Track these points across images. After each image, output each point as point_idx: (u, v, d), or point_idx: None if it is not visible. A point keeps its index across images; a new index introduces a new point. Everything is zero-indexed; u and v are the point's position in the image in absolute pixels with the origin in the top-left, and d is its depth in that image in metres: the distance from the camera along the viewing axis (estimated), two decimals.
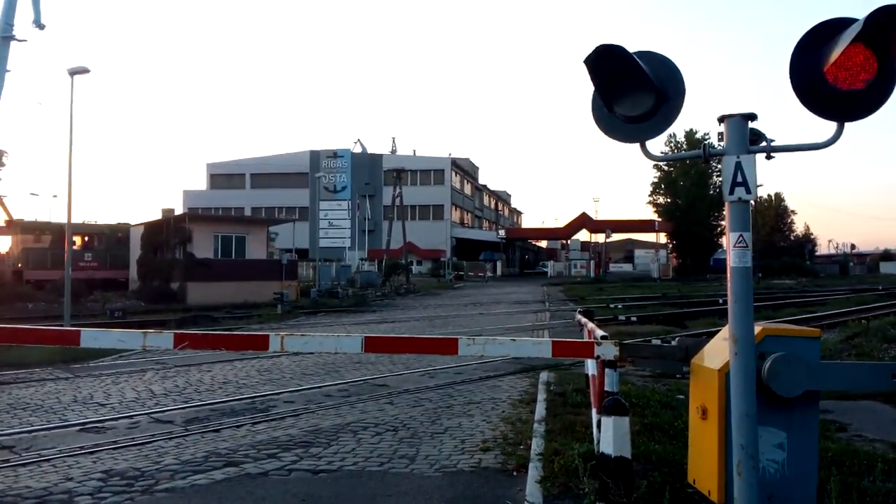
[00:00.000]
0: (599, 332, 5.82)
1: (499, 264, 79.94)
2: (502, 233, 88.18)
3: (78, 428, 7.58)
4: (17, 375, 10.99)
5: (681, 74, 3.61)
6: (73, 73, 19.59)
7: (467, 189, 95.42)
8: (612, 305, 28.09)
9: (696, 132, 72.43)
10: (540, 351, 4.11)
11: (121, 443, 6.89)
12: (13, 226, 36.85)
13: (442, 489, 5.41)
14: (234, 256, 34.18)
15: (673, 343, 4.23)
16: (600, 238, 77.60)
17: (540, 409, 7.93)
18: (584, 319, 8.28)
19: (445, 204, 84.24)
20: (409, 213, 67.85)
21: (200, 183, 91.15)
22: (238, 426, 7.63)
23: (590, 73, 3.41)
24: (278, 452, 6.52)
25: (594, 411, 6.11)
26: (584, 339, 6.10)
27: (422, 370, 11.40)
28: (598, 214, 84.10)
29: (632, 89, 3.49)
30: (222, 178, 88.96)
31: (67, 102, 19.69)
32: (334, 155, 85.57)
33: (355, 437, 7.11)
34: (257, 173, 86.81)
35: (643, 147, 3.61)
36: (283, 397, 9.27)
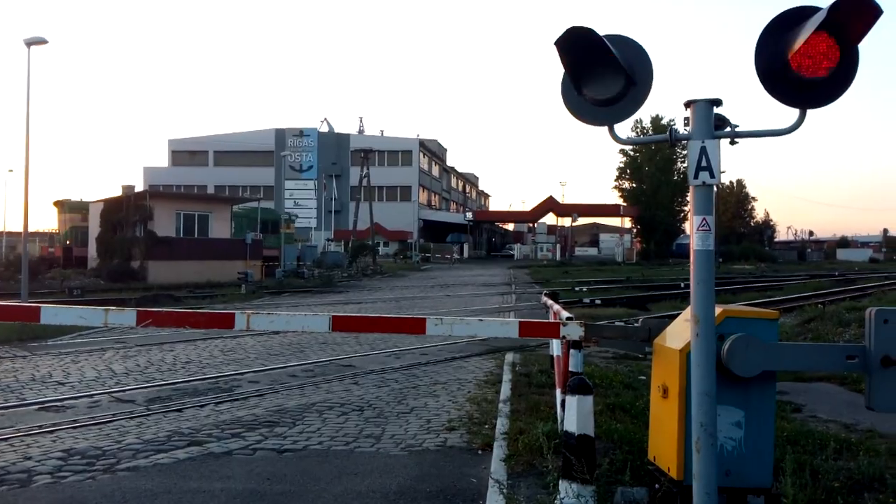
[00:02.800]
0: (565, 314, 5.90)
1: (466, 247, 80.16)
2: (470, 215, 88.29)
3: (36, 407, 7.43)
4: None
5: (650, 59, 3.65)
6: (30, 43, 18.93)
7: (435, 171, 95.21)
8: (577, 288, 28.42)
9: (661, 118, 73.15)
10: (507, 331, 4.15)
11: (81, 422, 6.78)
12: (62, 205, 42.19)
13: (408, 468, 5.45)
14: (196, 235, 33.63)
15: (637, 324, 4.31)
16: (566, 222, 78.30)
17: (505, 390, 8.02)
18: (549, 301, 8.39)
19: (413, 185, 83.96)
20: (376, 194, 67.49)
21: (162, 160, 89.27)
22: (201, 406, 7.56)
23: (560, 55, 3.42)
24: (243, 432, 6.49)
25: (558, 391, 6.20)
26: (550, 321, 6.18)
27: (388, 351, 11.43)
28: (565, 198, 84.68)
29: (601, 73, 3.51)
30: (184, 154, 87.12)
31: (24, 74, 19.04)
32: (301, 133, 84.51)
33: (321, 416, 7.11)
34: (221, 151, 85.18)
35: (611, 130, 3.64)
36: (247, 377, 9.20)
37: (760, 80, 3.40)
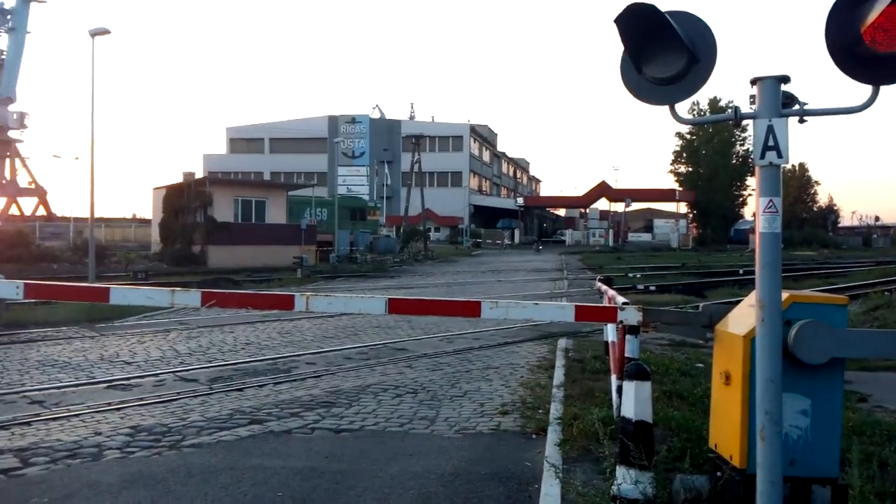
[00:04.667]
0: (620, 299, 5.82)
1: (517, 232, 79.76)
2: (520, 200, 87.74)
3: (105, 385, 7.76)
4: (44, 333, 11.23)
5: (713, 35, 3.53)
6: (94, 34, 19.58)
7: (486, 156, 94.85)
8: (630, 275, 27.99)
9: (719, 100, 70.97)
10: (563, 315, 4.12)
11: (147, 400, 7.05)
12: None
13: (462, 450, 5.49)
14: (253, 220, 34.39)
15: (697, 310, 4.21)
16: (619, 207, 77.01)
17: (559, 375, 7.97)
18: (603, 287, 8.28)
19: (464, 171, 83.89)
20: (427, 180, 67.69)
21: (220, 147, 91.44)
22: (261, 386, 7.77)
23: (620, 32, 3.35)
24: (301, 412, 6.64)
25: (613, 377, 6.14)
26: (607, 305, 6.10)
27: (440, 335, 11.49)
28: (618, 183, 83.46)
29: (662, 50, 3.41)
30: (241, 142, 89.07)
31: (89, 64, 19.71)
32: (353, 120, 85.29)
33: (376, 398, 7.21)
34: (276, 138, 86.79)
35: (672, 110, 3.55)
36: (304, 359, 9.40)
37: (831, 55, 3.26)
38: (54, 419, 6.32)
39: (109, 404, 6.85)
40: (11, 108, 69.06)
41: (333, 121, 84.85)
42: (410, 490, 4.59)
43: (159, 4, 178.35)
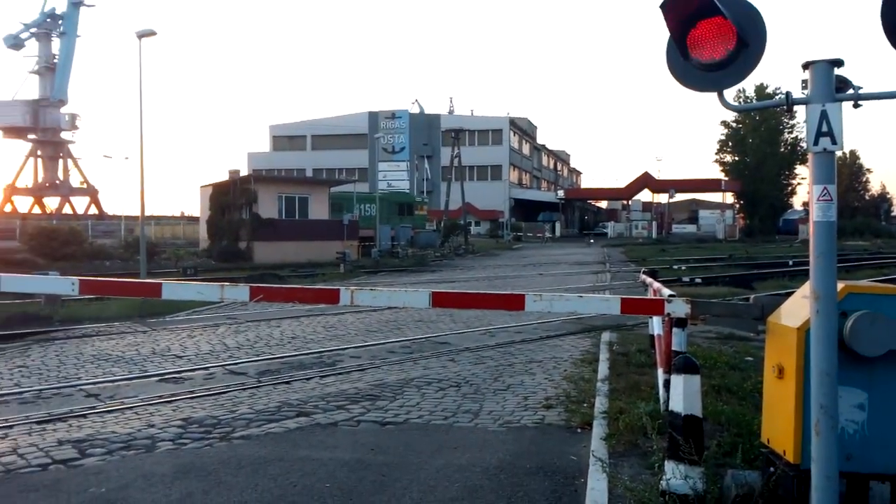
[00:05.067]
0: (666, 291, 5.73)
1: (557, 225, 79.13)
2: (561, 193, 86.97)
3: (157, 378, 7.98)
4: (98, 329, 11.59)
5: (762, 19, 3.44)
6: (141, 35, 20.07)
7: (525, 149, 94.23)
8: (675, 267, 27.52)
9: (766, 86, 69.03)
10: (608, 307, 4.07)
11: (198, 393, 7.23)
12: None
13: (506, 443, 5.48)
14: (297, 217, 34.87)
15: (748, 301, 4.11)
16: (663, 198, 75.78)
17: (603, 369, 7.89)
18: (648, 279, 8.16)
19: (503, 164, 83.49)
20: (467, 174, 67.56)
21: (264, 145, 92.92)
22: (307, 379, 7.88)
23: (665, 16, 3.28)
24: (347, 404, 6.72)
25: (660, 371, 6.05)
26: (654, 297, 6.01)
27: (482, 329, 11.48)
28: (661, 174, 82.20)
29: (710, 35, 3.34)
30: (284, 139, 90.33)
31: (136, 65, 20.21)
32: (392, 116, 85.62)
33: (419, 391, 7.25)
34: (318, 135, 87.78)
35: (720, 96, 3.47)
36: (348, 352, 9.50)
37: (887, 36, 3.14)
38: (109, 412, 6.53)
39: (161, 397, 7.04)
40: (63, 110, 71.51)
41: (374, 117, 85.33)
42: (456, 483, 4.60)
43: (204, 5, 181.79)
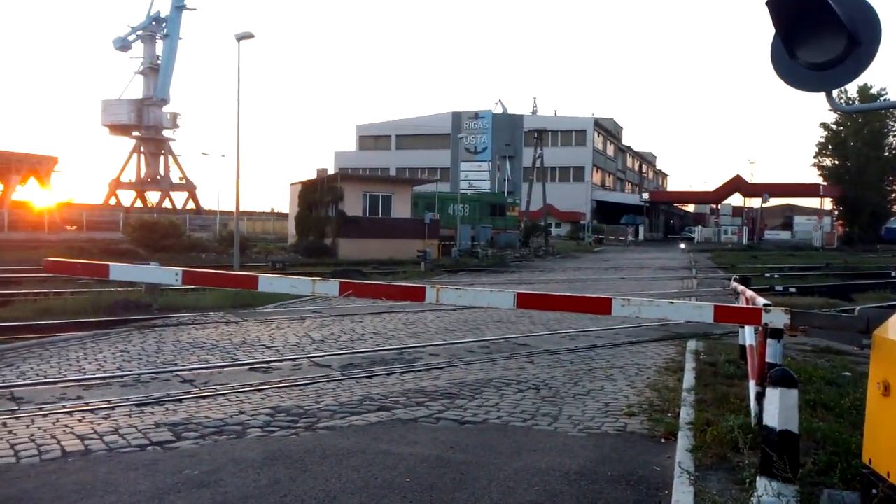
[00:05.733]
0: (761, 300, 5.48)
1: (641, 228, 77.21)
2: (646, 196, 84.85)
3: (247, 367, 8.31)
4: (194, 318, 12.17)
5: (877, 15, 3.25)
6: (240, 38, 20.94)
7: (610, 150, 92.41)
8: (767, 275, 26.31)
9: (870, 87, 64.93)
10: (701, 315, 3.94)
11: (285, 383, 7.48)
12: None
13: (587, 449, 5.40)
14: (380, 215, 35.53)
15: (852, 313, 3.88)
16: (755, 203, 72.56)
17: (688, 378, 7.65)
18: (740, 287, 7.84)
19: (586, 165, 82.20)
20: (549, 175, 66.90)
21: (350, 144, 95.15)
22: (388, 374, 8.02)
23: (771, 12, 3.15)
24: (426, 401, 6.79)
25: (752, 383, 5.80)
26: (749, 306, 5.77)
27: (562, 332, 11.35)
28: (754, 177, 78.59)
29: (819, 32, 3.18)
30: (369, 139, 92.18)
31: (233, 66, 21.11)
32: (476, 116, 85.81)
33: (498, 392, 7.24)
34: (402, 134, 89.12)
35: (829, 97, 3.30)
36: (428, 350, 9.60)
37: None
38: (203, 397, 6.84)
39: (252, 385, 7.33)
40: (165, 109, 75.70)
41: (457, 117, 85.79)
42: (535, 486, 4.58)
43: (296, 9, 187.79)
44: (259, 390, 7.14)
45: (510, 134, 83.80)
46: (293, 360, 8.76)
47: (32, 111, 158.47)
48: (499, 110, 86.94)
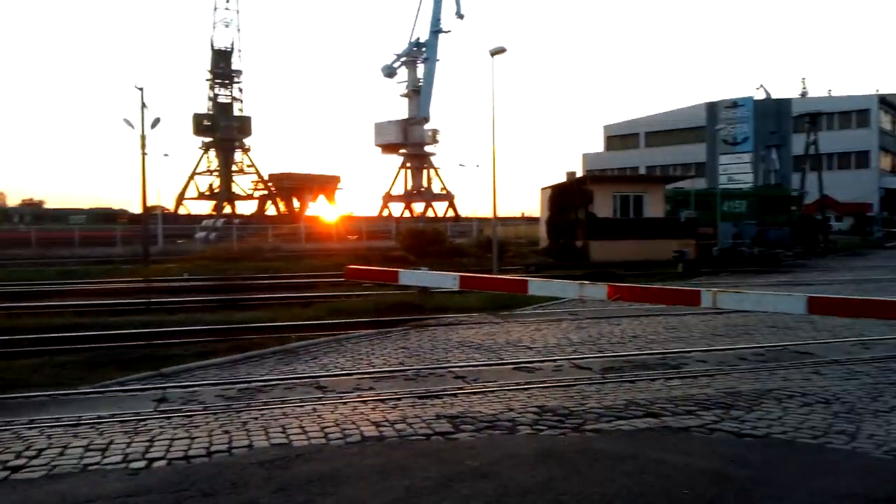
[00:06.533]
0: None
1: None
2: None
3: (512, 366, 8.65)
4: (460, 318, 12.93)
5: None
6: (494, 53, 21.88)
7: None
8: None
9: None
10: None
11: (548, 383, 7.66)
12: None
13: None
14: (631, 215, 34.58)
15: None
16: None
17: None
18: None
19: (871, 149, 71.66)
20: (825, 163, 59.51)
21: (597, 145, 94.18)
22: (652, 380, 7.80)
23: None
24: (696, 410, 6.48)
25: None
26: None
27: (853, 339, 10.02)
28: None
29: None
30: (617, 139, 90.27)
31: (488, 81, 22.11)
32: (734, 105, 79.27)
33: (780, 404, 6.66)
34: (651, 131, 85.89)
35: None
36: (693, 356, 9.12)
37: None
38: (474, 393, 7.29)
39: (517, 384, 7.62)
40: (426, 126, 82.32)
41: (712, 107, 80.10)
42: None
43: (539, 17, 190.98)
44: (525, 389, 7.41)
45: (776, 120, 75.95)
46: (554, 361, 8.92)
47: (317, 138, 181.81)
48: (760, 96, 79.44)
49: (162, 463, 5.14)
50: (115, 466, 5.06)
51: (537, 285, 4.59)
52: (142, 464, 5.10)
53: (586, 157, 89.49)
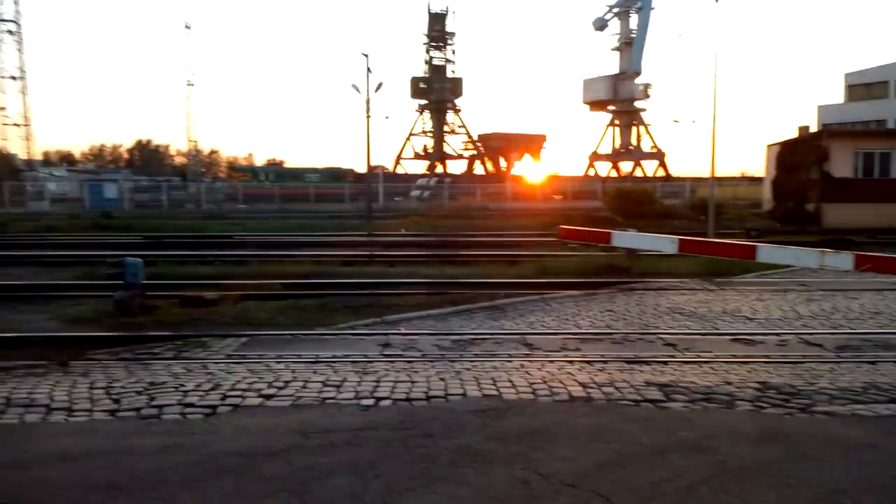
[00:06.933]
0: None
1: None
2: None
3: (729, 337, 8.17)
4: (671, 283, 12.40)
5: None
6: None
7: None
8: None
9: None
10: None
11: (772, 358, 7.13)
12: None
13: None
14: (876, 175, 30.39)
15: None
16: None
17: None
18: None
19: None
20: None
21: (836, 96, 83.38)
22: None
23: None
24: None
25: None
26: None
27: None
28: None
29: None
30: (861, 88, 78.96)
31: (708, 28, 20.48)
32: None
33: None
34: None
35: None
36: None
37: None
38: (686, 363, 7.01)
39: (735, 357, 7.20)
40: (637, 80, 78.52)
41: None
42: None
43: None
44: (744, 363, 6.97)
45: None
46: (778, 335, 8.27)
47: (525, 97, 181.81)
48: None
49: (387, 403, 5.63)
50: (349, 402, 5.64)
51: (767, 252, 4.25)
52: (370, 402, 5.64)
53: (822, 109, 79.59)
